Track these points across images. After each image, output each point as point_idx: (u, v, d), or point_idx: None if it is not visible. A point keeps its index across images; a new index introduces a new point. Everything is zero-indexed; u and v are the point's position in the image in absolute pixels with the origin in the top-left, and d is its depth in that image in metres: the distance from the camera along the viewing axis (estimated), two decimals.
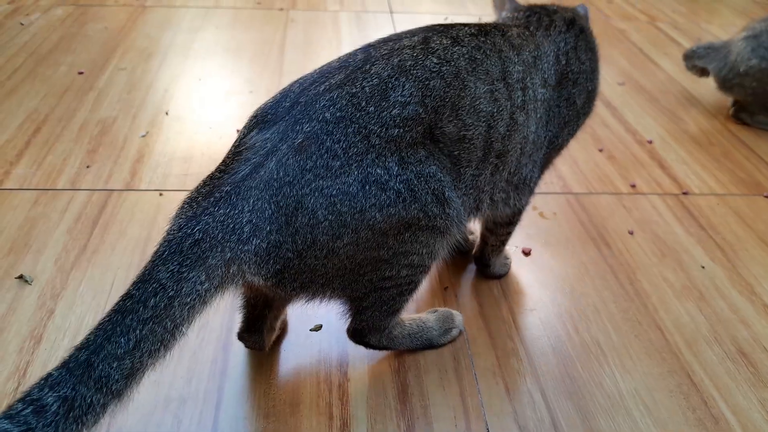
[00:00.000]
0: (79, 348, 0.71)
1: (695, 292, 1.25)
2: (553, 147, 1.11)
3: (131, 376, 0.72)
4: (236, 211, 0.79)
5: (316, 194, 0.80)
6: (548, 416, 0.99)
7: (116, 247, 1.26)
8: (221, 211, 0.78)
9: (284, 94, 0.88)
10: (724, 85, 1.84)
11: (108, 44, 2.11)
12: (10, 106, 1.71)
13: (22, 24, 2.20)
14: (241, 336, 1.04)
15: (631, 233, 1.40)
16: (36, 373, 1.00)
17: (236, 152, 0.85)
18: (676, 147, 1.74)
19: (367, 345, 1.03)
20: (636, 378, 1.06)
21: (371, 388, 1.01)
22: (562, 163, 1.62)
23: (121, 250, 1.25)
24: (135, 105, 1.76)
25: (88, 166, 1.49)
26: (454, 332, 1.10)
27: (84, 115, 1.70)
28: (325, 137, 0.81)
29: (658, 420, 1.00)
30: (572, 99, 1.09)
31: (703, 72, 1.91)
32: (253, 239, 0.79)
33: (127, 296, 0.74)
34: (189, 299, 0.75)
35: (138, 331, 0.72)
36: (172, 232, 0.79)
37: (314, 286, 0.88)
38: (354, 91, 0.85)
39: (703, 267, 1.31)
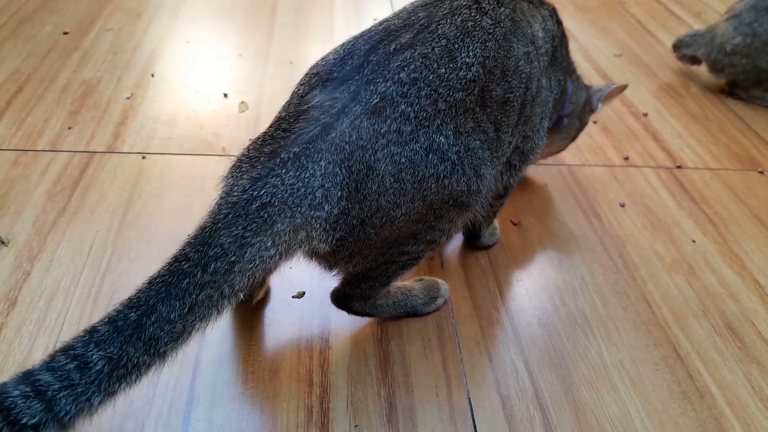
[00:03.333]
0: (129, 306, 0.68)
1: (685, 266, 1.23)
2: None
3: (180, 339, 0.70)
4: (307, 174, 0.75)
5: (387, 160, 0.77)
6: (531, 387, 0.98)
7: (96, 209, 1.23)
8: (291, 173, 0.74)
9: (348, 51, 0.84)
10: (715, 67, 1.82)
11: (95, 4, 2.05)
12: None
13: None
14: None
15: (622, 206, 1.37)
16: (9, 336, 0.97)
17: (300, 110, 0.80)
18: (672, 120, 1.71)
19: (350, 311, 1.01)
20: (621, 350, 1.05)
21: (353, 355, 1.00)
22: None
23: (102, 212, 1.22)
24: (120, 66, 1.72)
25: (69, 128, 1.46)
26: (439, 301, 1.08)
27: (67, 76, 1.65)
28: (400, 100, 0.78)
29: (642, 392, 0.98)
30: (555, 82, 1.11)
31: (694, 60, 1.90)
32: (324, 205, 0.76)
33: (184, 257, 0.71)
34: (251, 266, 0.72)
35: (194, 296, 0.69)
36: (234, 194, 0.75)
37: (358, 257, 0.85)
38: (426, 51, 0.82)
39: (694, 241, 1.29)
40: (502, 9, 0.93)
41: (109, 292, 1.06)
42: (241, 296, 0.74)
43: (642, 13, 2.37)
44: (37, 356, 0.95)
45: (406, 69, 0.80)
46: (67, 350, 0.64)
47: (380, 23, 0.89)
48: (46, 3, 2.03)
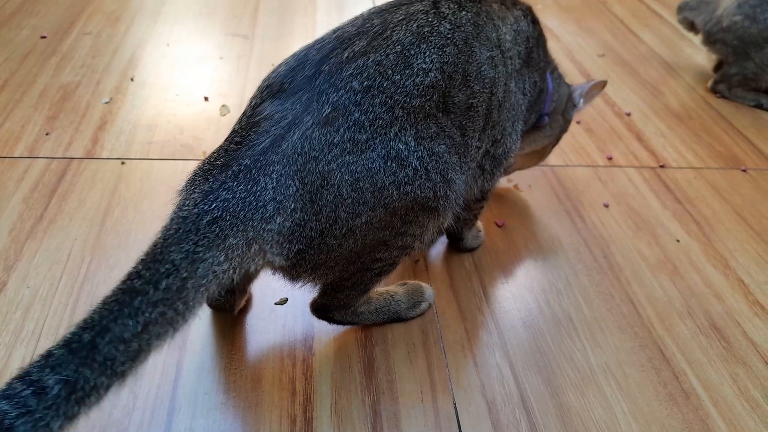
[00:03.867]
0: (83, 327, 0.66)
1: (669, 266, 1.23)
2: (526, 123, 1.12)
3: (138, 358, 0.68)
4: (259, 188, 0.74)
5: (342, 170, 0.76)
6: (516, 391, 0.97)
7: (74, 216, 1.21)
8: (242, 186, 0.73)
9: (300, 61, 0.82)
10: (708, 39, 1.84)
11: (74, 7, 2.02)
12: None
13: None
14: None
15: (606, 206, 1.37)
16: None
17: (252, 122, 0.79)
18: (655, 120, 1.71)
19: (331, 320, 1.00)
20: (607, 352, 1.04)
21: (336, 362, 0.98)
22: None
23: (80, 220, 1.20)
24: (99, 70, 1.69)
25: (47, 133, 1.43)
26: (424, 306, 1.07)
27: (45, 81, 1.63)
28: (353, 108, 0.77)
29: (628, 395, 0.98)
30: (530, 83, 1.09)
31: (692, 26, 1.90)
32: (277, 217, 0.75)
33: (136, 275, 0.69)
34: (204, 281, 0.71)
35: (147, 314, 0.67)
36: (185, 208, 0.74)
37: (323, 268, 0.84)
38: (379, 59, 0.81)
39: (678, 241, 1.29)
40: (464, 13, 0.91)
41: (88, 301, 1.04)
42: (197, 312, 0.73)
43: (624, 13, 2.37)
44: (14, 367, 0.93)
45: (358, 77, 0.79)
46: (23, 377, 0.62)
47: (334, 31, 0.87)
48: (23, 6, 2.00)
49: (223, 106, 1.59)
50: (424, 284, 1.09)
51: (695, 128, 1.70)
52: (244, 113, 0.84)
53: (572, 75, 1.88)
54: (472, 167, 0.98)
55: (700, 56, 2.06)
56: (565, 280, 1.17)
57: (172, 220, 0.74)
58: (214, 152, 0.81)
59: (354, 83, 0.78)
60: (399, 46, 0.83)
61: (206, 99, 1.61)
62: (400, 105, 0.80)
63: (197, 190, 0.75)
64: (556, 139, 1.31)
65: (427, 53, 0.84)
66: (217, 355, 0.98)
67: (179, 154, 1.40)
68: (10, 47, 1.76)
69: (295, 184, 0.75)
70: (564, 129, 1.29)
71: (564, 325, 1.09)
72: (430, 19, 0.87)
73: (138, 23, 1.96)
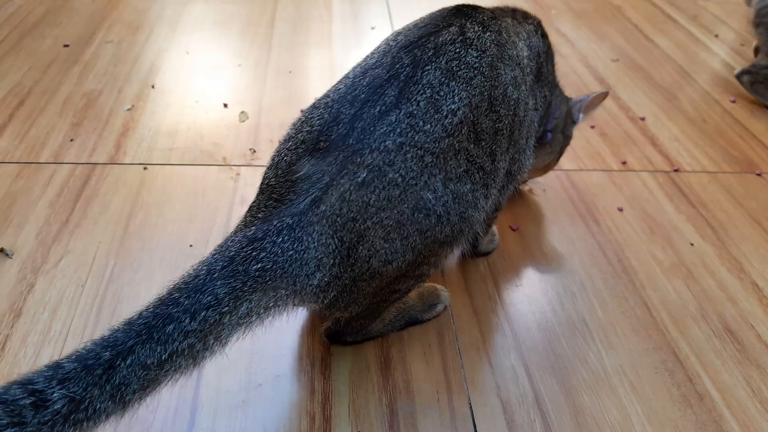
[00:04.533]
0: (103, 345, 0.63)
1: (683, 270, 1.24)
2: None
3: (149, 389, 0.66)
4: (303, 246, 0.76)
5: (377, 227, 0.78)
6: (531, 392, 0.98)
7: (99, 221, 1.24)
8: (287, 244, 0.75)
9: (334, 116, 0.82)
10: (755, 19, 1.79)
11: (95, 17, 2.07)
12: None
13: None
14: None
15: (620, 210, 1.38)
16: (14, 347, 0.98)
17: (288, 180, 0.81)
18: (669, 124, 1.72)
19: (345, 343, 1.02)
20: (621, 355, 1.06)
21: (354, 362, 1.00)
22: None
23: (104, 223, 1.23)
24: (121, 78, 1.73)
25: (72, 140, 1.47)
26: (439, 308, 1.09)
27: (69, 89, 1.67)
28: (387, 169, 0.78)
29: (642, 397, 0.99)
30: (540, 98, 1.10)
31: (749, 1, 1.86)
32: (317, 273, 0.78)
33: (173, 302, 0.68)
34: (244, 320, 0.73)
35: (177, 343, 0.66)
36: (232, 248, 0.75)
37: (354, 305, 0.87)
38: (411, 109, 0.81)
39: (692, 244, 1.30)
40: (488, 34, 0.91)
41: (113, 302, 1.07)
42: (217, 352, 0.73)
43: (638, 18, 2.38)
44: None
45: (391, 135, 0.79)
46: (25, 384, 0.58)
47: (363, 72, 0.86)
48: (46, 16, 2.05)
49: (242, 112, 1.62)
50: (438, 286, 1.11)
51: (710, 132, 1.70)
52: (277, 166, 0.85)
53: (586, 80, 1.90)
54: (498, 188, 0.99)
55: (715, 60, 2.06)
56: (580, 284, 1.19)
57: (215, 258, 0.74)
58: (253, 205, 0.84)
59: (387, 143, 0.79)
60: (429, 90, 0.82)
61: (225, 106, 1.64)
62: (430, 151, 0.81)
63: (241, 235, 0.77)
64: (558, 155, 1.31)
65: (456, 91, 0.84)
66: (238, 354, 1.00)
67: (200, 160, 1.44)
68: (34, 56, 1.81)
69: (334, 243, 0.77)
70: (564, 145, 1.29)
71: (578, 327, 1.10)
72: (457, 50, 0.86)
73: (157, 32, 2.01)
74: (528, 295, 1.16)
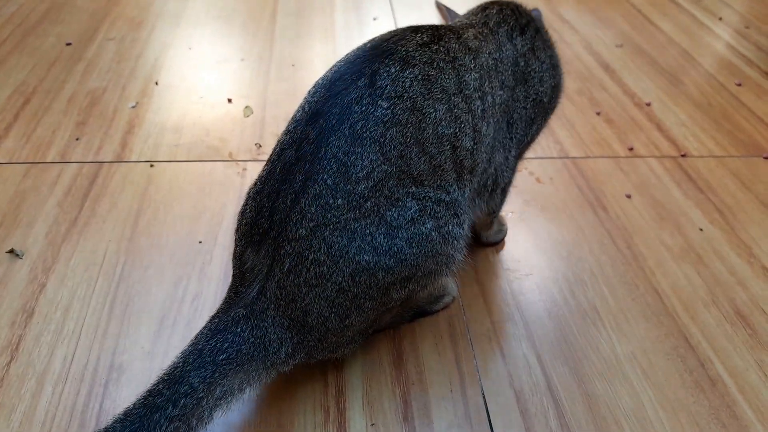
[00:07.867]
0: None
1: (693, 255, 1.24)
2: (523, 145, 1.10)
3: None
4: (261, 333, 0.83)
5: (316, 300, 0.83)
6: (544, 380, 0.99)
7: (107, 219, 1.24)
8: (246, 333, 0.83)
9: (259, 209, 0.85)
10: None
11: (97, 14, 2.07)
12: None
13: None
14: None
15: (628, 197, 1.38)
16: (28, 347, 0.99)
17: (240, 271, 0.88)
18: (675, 109, 1.71)
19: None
20: (632, 341, 1.06)
21: (366, 354, 1.01)
22: (559, 128, 1.60)
23: (113, 221, 1.24)
24: (124, 75, 1.73)
25: (77, 138, 1.47)
26: (447, 299, 1.09)
27: (73, 87, 1.67)
28: (307, 253, 0.81)
29: (654, 383, 0.99)
30: (539, 98, 1.07)
31: None
32: (282, 348, 0.85)
33: (157, 393, 0.77)
34: (221, 401, 0.81)
35: (164, 428, 0.75)
36: (201, 340, 0.83)
37: (333, 347, 0.91)
38: (317, 190, 0.79)
39: (701, 229, 1.30)
40: (409, 71, 0.83)
41: (124, 300, 1.08)
42: (206, 428, 0.81)
43: (642, 2, 2.36)
44: (56, 365, 0.96)
45: (303, 222, 0.80)
46: None
47: (281, 151, 0.85)
48: (48, 14, 2.04)
49: (247, 107, 1.62)
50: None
51: (716, 116, 1.69)
52: (234, 253, 0.91)
53: (591, 67, 1.89)
54: (473, 206, 0.99)
55: (720, 43, 2.05)
56: (590, 271, 1.19)
57: (190, 349, 0.82)
58: (230, 285, 0.91)
59: (301, 231, 0.80)
60: (334, 164, 0.79)
61: (230, 101, 1.64)
62: (353, 219, 0.80)
63: (208, 326, 0.85)
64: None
65: (364, 155, 0.79)
66: None
67: (206, 156, 1.44)
68: (37, 55, 1.81)
69: (286, 321, 0.84)
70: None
71: (589, 315, 1.10)
72: (364, 108, 0.80)
73: (160, 28, 2.00)
74: (538, 284, 1.16)
